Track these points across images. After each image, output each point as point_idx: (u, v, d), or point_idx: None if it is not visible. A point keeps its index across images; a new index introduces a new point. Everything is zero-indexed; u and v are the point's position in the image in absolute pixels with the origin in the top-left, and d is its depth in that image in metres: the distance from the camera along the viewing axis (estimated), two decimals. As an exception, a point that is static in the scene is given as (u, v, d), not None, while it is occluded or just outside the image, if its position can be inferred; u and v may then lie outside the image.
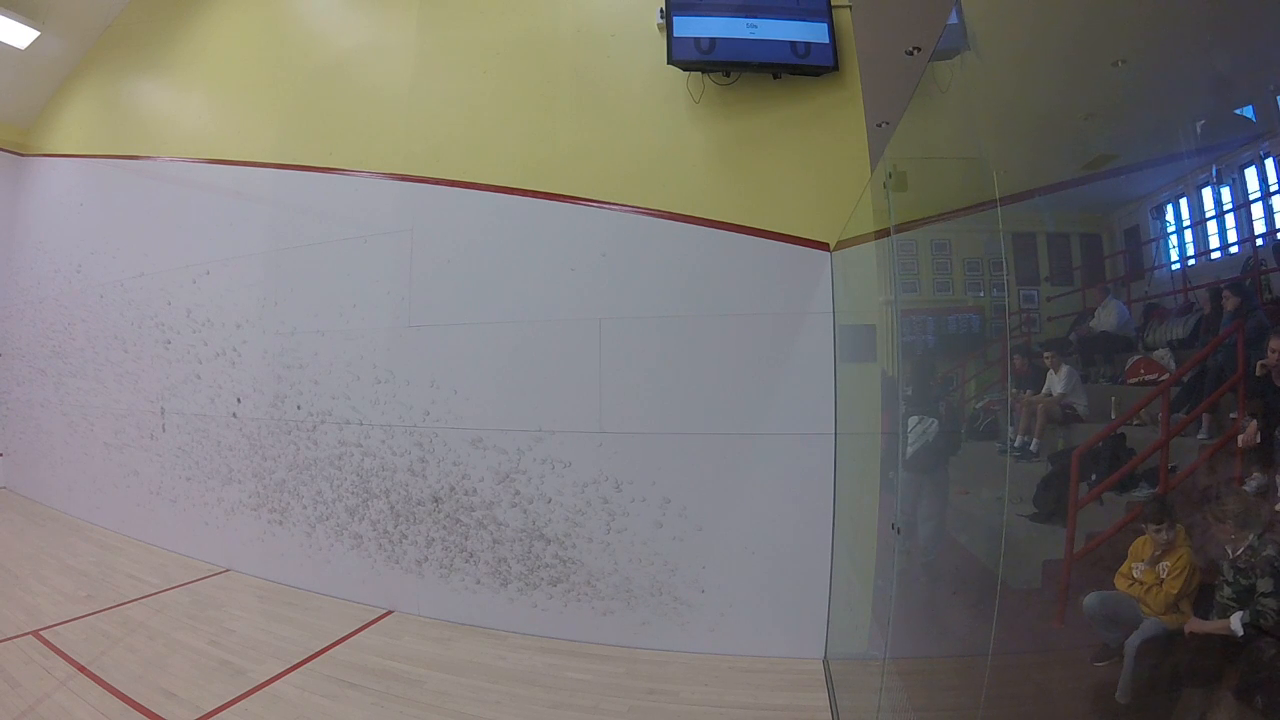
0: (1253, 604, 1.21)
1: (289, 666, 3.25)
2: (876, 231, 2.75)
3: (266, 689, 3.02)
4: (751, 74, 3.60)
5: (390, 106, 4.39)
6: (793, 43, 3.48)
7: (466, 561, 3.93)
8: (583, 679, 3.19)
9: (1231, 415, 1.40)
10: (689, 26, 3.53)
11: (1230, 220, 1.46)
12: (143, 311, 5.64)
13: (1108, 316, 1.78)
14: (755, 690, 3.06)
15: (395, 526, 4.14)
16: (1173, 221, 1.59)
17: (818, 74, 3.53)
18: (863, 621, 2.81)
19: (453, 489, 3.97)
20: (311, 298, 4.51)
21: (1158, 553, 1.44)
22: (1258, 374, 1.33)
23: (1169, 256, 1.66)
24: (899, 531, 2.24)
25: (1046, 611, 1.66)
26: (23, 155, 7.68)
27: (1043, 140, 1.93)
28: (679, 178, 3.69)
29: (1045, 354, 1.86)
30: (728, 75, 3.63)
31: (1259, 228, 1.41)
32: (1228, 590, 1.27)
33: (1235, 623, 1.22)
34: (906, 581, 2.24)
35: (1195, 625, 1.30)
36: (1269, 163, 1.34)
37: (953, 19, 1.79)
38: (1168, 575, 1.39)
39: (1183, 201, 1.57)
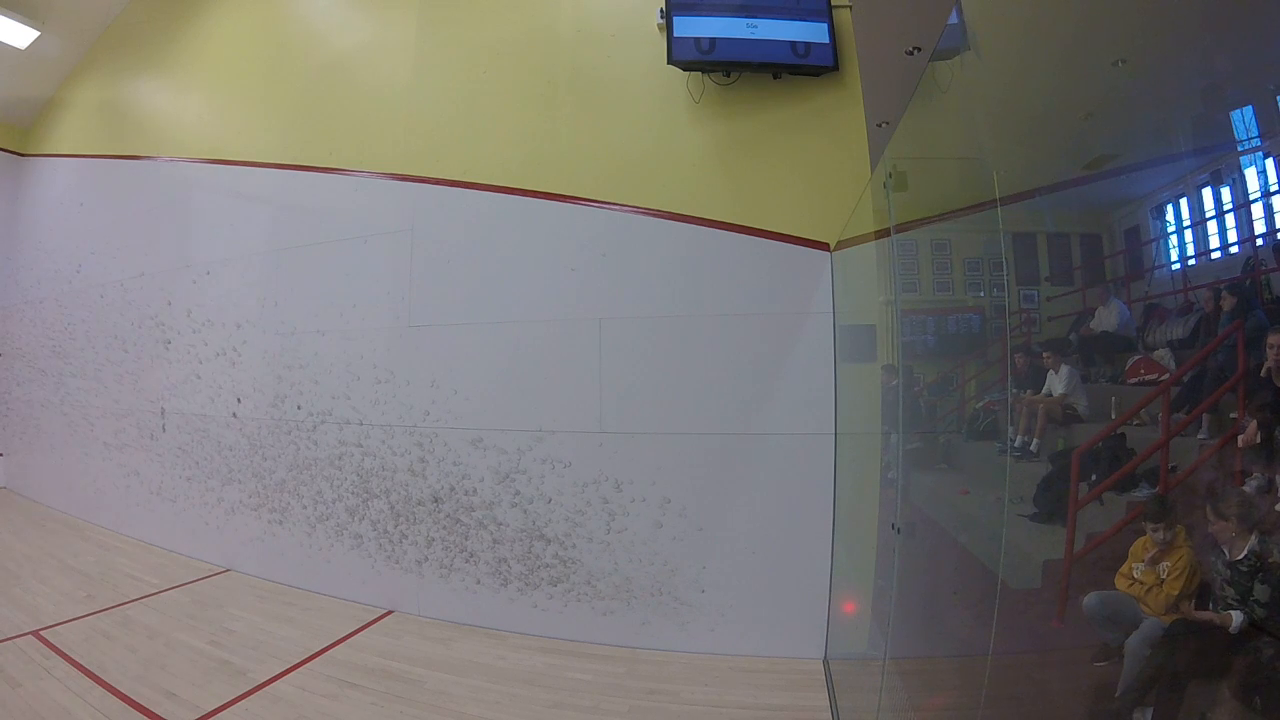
0: (1248, 606, 1.21)
1: (289, 666, 3.25)
2: (876, 231, 2.75)
3: (266, 689, 3.02)
4: (751, 74, 3.59)
5: (390, 106, 4.39)
6: (793, 43, 3.48)
7: (466, 561, 3.93)
8: (583, 679, 3.19)
9: (1231, 415, 1.40)
10: (689, 26, 3.52)
11: (1230, 220, 1.46)
12: (143, 311, 5.64)
13: (1108, 316, 1.78)
14: (755, 690, 3.05)
15: (395, 526, 4.14)
16: (1173, 221, 1.59)
17: (818, 74, 3.53)
18: (863, 621, 2.81)
19: (453, 489, 3.97)
20: (311, 298, 4.51)
21: (1155, 552, 1.44)
22: (1262, 375, 1.33)
23: (1169, 256, 1.66)
24: (899, 531, 2.24)
25: (1046, 611, 1.66)
26: (23, 155, 7.67)
27: (1043, 140, 1.93)
28: (679, 177, 3.69)
29: (1045, 354, 1.86)
30: (728, 75, 3.63)
31: (1259, 228, 1.41)
32: (1231, 591, 1.27)
33: (1236, 620, 1.22)
34: (906, 581, 2.24)
35: (1196, 615, 1.30)
36: (1269, 163, 1.34)
37: (953, 19, 1.79)
38: (1168, 575, 1.39)
39: (1183, 201, 1.57)
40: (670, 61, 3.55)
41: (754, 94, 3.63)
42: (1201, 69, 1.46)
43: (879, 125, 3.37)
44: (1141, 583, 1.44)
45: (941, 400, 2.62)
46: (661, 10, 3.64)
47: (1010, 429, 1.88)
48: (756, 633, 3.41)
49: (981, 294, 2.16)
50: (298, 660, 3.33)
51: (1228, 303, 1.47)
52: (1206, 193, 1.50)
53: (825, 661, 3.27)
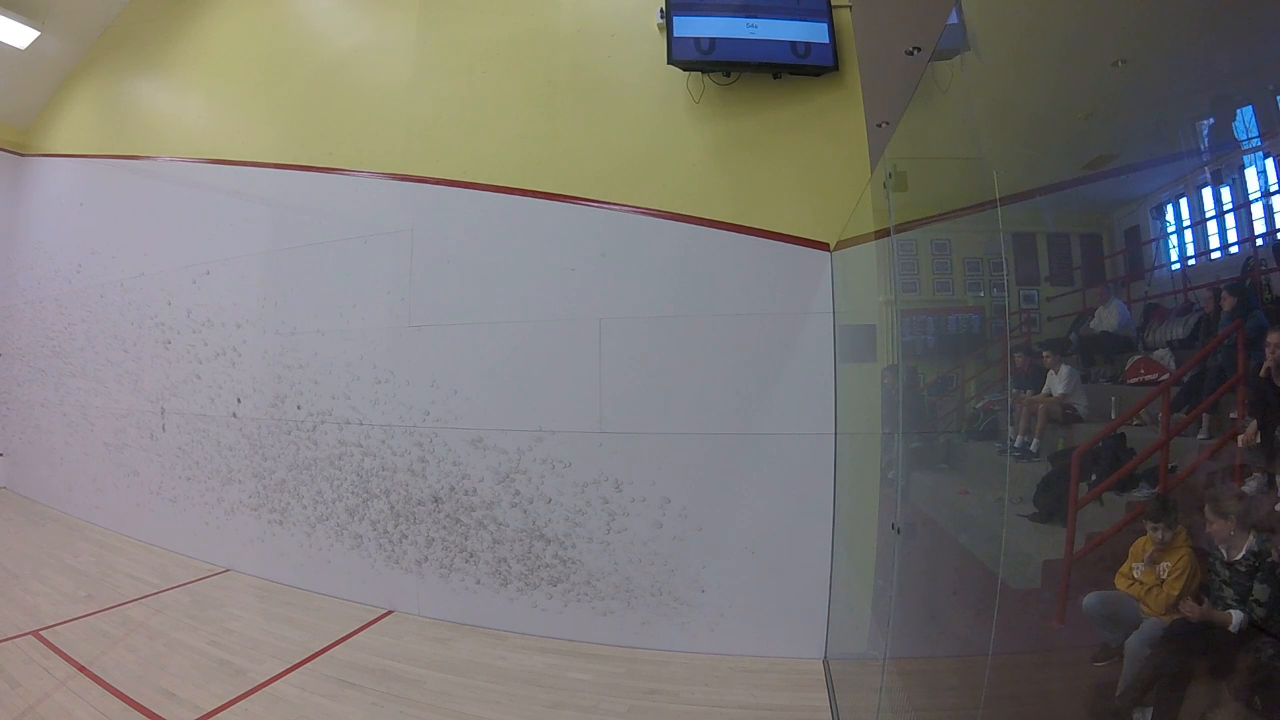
0: (1247, 606, 1.21)
1: (289, 666, 3.25)
2: (876, 231, 2.75)
3: (266, 689, 3.02)
4: (751, 74, 3.59)
5: (390, 106, 4.39)
6: (793, 43, 3.48)
7: (466, 561, 3.93)
8: (583, 679, 3.19)
9: (1231, 415, 1.40)
10: (689, 26, 3.53)
11: (1230, 220, 1.46)
12: (143, 311, 5.64)
13: (1109, 316, 1.78)
14: (755, 690, 3.06)
15: (395, 526, 4.14)
16: (1173, 221, 1.59)
17: (818, 74, 3.53)
18: (863, 621, 2.81)
19: (453, 489, 3.97)
20: (311, 298, 4.51)
21: (1153, 551, 1.44)
22: (1261, 375, 1.33)
23: (1169, 256, 1.66)
24: (899, 531, 2.24)
25: (1046, 611, 1.66)
26: (23, 155, 7.68)
27: (1043, 140, 1.93)
28: (679, 177, 3.69)
29: (1044, 354, 1.86)
30: (728, 75, 3.63)
31: (1259, 228, 1.41)
32: (1229, 591, 1.27)
33: (1235, 619, 1.22)
34: (906, 581, 2.24)
35: (1196, 611, 1.30)
36: (1269, 163, 1.34)
37: (953, 19, 1.79)
38: (1168, 575, 1.39)
39: (1183, 201, 1.57)
40: (670, 61, 3.55)
41: (754, 94, 3.63)
42: (1202, 69, 1.46)
43: (879, 125, 3.37)
44: (1141, 583, 1.44)
45: (941, 400, 2.62)
46: (661, 10, 3.64)
47: (1010, 429, 1.88)
48: (756, 633, 3.41)
49: (981, 294, 2.16)
50: (298, 660, 3.33)
51: (1228, 303, 1.47)
52: (1206, 193, 1.50)
53: (825, 661, 3.27)
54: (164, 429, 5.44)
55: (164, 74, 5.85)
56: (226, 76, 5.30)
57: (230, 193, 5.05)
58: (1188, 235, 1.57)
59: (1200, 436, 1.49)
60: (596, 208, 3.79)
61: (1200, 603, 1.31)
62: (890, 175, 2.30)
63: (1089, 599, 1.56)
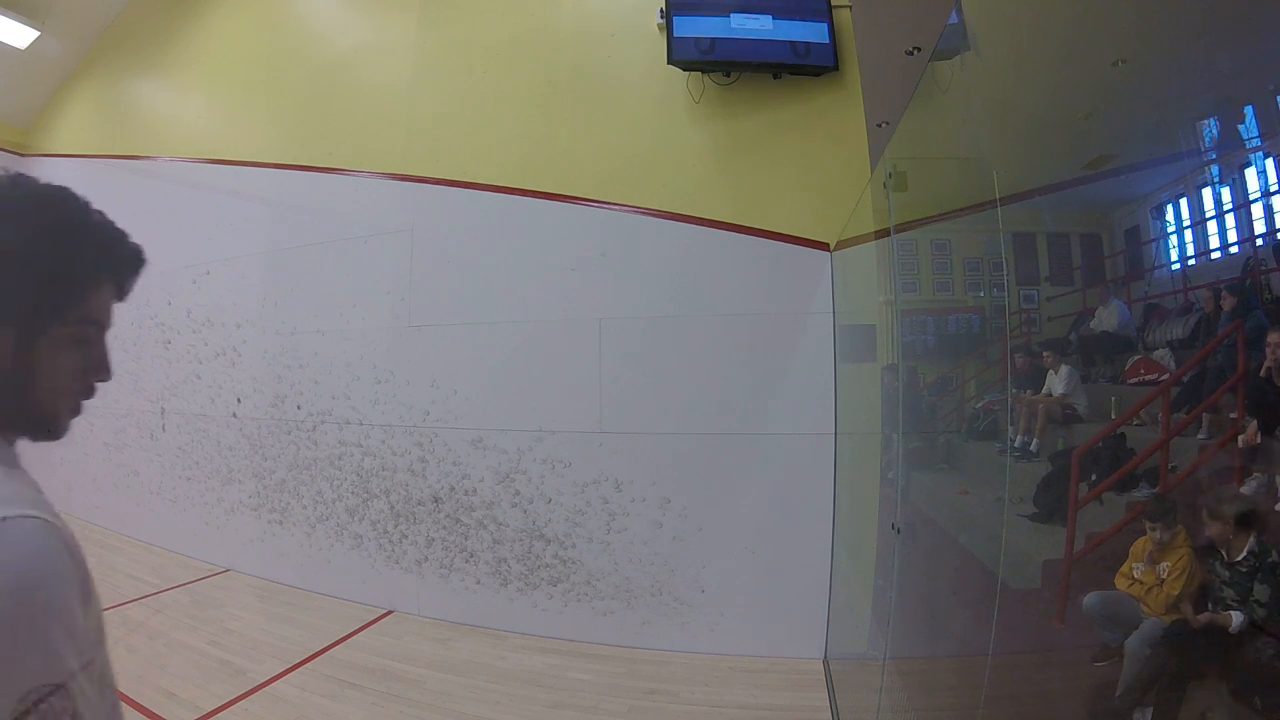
0: (1248, 606, 1.22)
1: (289, 666, 3.25)
2: (876, 231, 2.75)
3: (266, 689, 3.02)
4: (751, 74, 3.59)
5: (390, 106, 4.39)
6: (793, 43, 3.48)
7: (466, 561, 3.92)
8: (583, 679, 3.19)
9: (1231, 415, 1.41)
10: (689, 26, 3.52)
11: (1230, 220, 1.46)
12: (143, 311, 5.63)
13: (1109, 316, 1.78)
14: (755, 690, 3.05)
15: (395, 526, 4.14)
16: (1173, 221, 1.59)
17: (818, 74, 3.53)
18: (863, 621, 2.81)
19: (453, 489, 3.97)
20: (311, 298, 4.51)
21: (1153, 551, 1.44)
22: (1261, 375, 1.33)
23: (1169, 256, 1.66)
24: (899, 531, 2.24)
25: (1046, 611, 1.66)
26: (23, 155, 7.67)
27: (1043, 140, 1.93)
28: (679, 177, 3.69)
29: (1044, 354, 1.87)
30: (727, 75, 3.63)
31: (1259, 228, 1.42)
32: (1230, 592, 1.27)
33: (1236, 620, 1.23)
34: (906, 581, 2.24)
35: (1201, 620, 1.30)
36: (1269, 163, 1.34)
37: (953, 19, 1.79)
38: (1168, 575, 1.39)
39: (1183, 201, 1.57)
40: (670, 61, 3.55)
41: (754, 94, 3.63)
42: (1202, 69, 1.46)
43: (879, 125, 3.37)
44: (1141, 582, 1.44)
45: (941, 400, 2.62)
46: (661, 10, 3.64)
47: (1010, 429, 1.88)
48: (756, 633, 3.41)
49: (981, 294, 2.16)
50: (298, 660, 3.33)
51: (1228, 303, 1.47)
52: (1206, 193, 1.50)
53: (825, 661, 3.27)
54: (164, 429, 5.43)
55: (164, 74, 5.84)
56: (226, 76, 5.30)
57: (230, 193, 5.05)
58: (1188, 235, 1.57)
59: (1200, 437, 1.50)
60: (596, 208, 3.79)
61: (1202, 610, 1.31)
62: (890, 175, 2.30)
63: (1089, 599, 1.56)
